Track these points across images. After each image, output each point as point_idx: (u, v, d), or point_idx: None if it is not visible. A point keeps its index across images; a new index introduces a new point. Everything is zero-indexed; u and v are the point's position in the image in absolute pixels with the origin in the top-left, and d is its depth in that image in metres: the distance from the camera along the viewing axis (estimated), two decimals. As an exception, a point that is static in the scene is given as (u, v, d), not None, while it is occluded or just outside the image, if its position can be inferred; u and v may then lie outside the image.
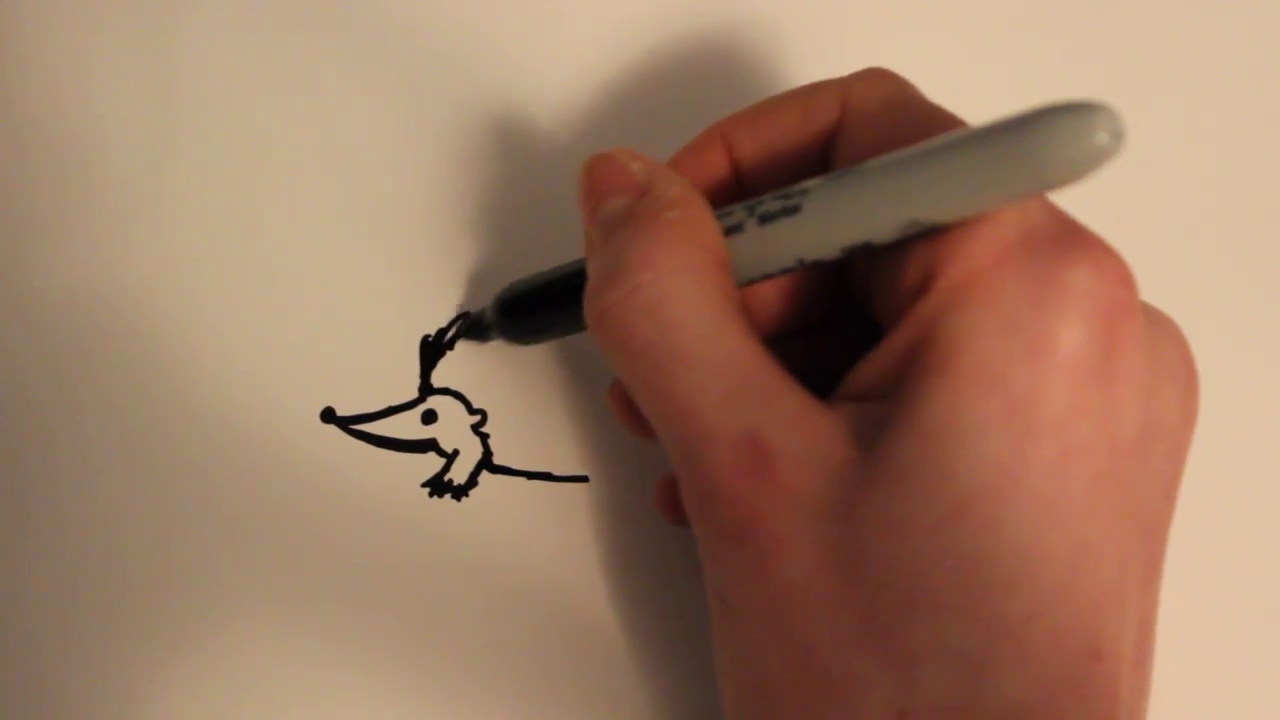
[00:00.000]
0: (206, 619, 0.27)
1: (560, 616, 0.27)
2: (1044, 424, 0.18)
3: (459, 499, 0.28)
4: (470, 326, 0.28)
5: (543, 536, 0.28)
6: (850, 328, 0.24)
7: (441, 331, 0.28)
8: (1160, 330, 0.21)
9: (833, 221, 0.20)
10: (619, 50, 0.30)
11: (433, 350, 0.28)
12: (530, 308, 0.26)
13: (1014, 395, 0.18)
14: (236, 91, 0.29)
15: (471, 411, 0.28)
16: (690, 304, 0.20)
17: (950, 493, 0.18)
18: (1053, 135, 0.16)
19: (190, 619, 0.27)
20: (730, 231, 0.21)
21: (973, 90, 0.23)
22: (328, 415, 0.28)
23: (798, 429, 0.19)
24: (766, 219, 0.21)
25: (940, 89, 0.22)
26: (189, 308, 0.28)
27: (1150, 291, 0.20)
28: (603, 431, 0.28)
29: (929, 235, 0.19)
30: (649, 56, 0.30)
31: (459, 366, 0.28)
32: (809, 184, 0.20)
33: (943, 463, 0.18)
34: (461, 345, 0.28)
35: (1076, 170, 0.16)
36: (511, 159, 0.30)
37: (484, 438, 0.28)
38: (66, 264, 0.28)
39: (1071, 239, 0.19)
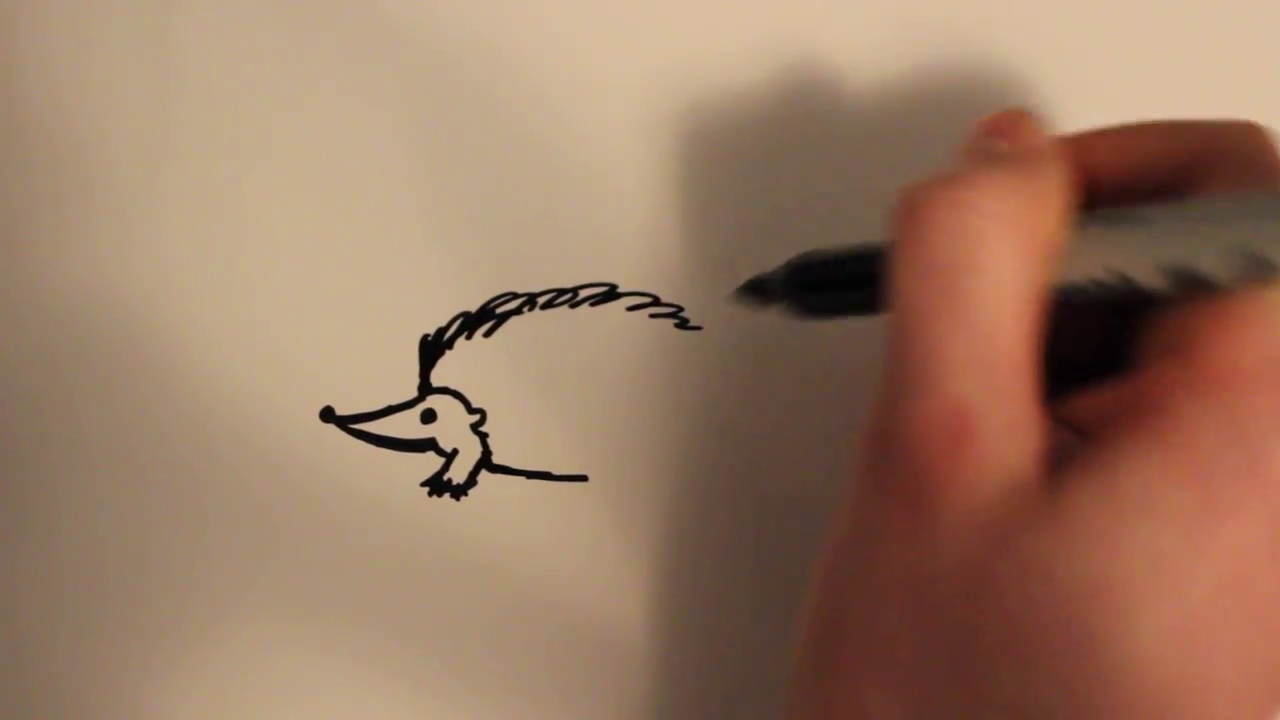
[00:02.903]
0: (205, 618, 0.27)
1: (559, 615, 0.27)
2: (1225, 545, 0.18)
3: (458, 498, 0.28)
4: (751, 287, 0.26)
5: (542, 536, 0.28)
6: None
7: (441, 330, 0.28)
8: None
9: (1168, 237, 0.19)
10: (620, 51, 0.30)
11: (432, 349, 0.28)
12: (831, 282, 0.24)
13: (1212, 505, 0.17)
14: (235, 91, 0.29)
15: (471, 411, 0.28)
16: (1002, 261, 0.19)
17: (1102, 568, 0.17)
18: None
19: (188, 618, 0.27)
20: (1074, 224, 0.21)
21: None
22: (327, 414, 0.28)
23: (1010, 432, 0.19)
24: (1107, 220, 0.20)
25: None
26: (188, 307, 0.28)
27: None
28: (602, 431, 0.28)
29: (1256, 276, 0.18)
30: (650, 56, 0.30)
31: (458, 366, 0.28)
32: (1160, 205, 0.20)
33: (1112, 537, 0.18)
34: (461, 344, 0.28)
35: None
36: (511, 158, 0.30)
37: (483, 437, 0.28)
38: (65, 263, 0.28)
39: None
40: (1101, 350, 0.22)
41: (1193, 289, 0.19)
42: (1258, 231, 0.18)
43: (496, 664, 0.27)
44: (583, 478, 0.28)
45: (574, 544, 0.28)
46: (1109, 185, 0.22)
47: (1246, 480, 0.18)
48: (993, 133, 0.22)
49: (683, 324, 0.29)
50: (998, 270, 0.19)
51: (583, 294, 0.29)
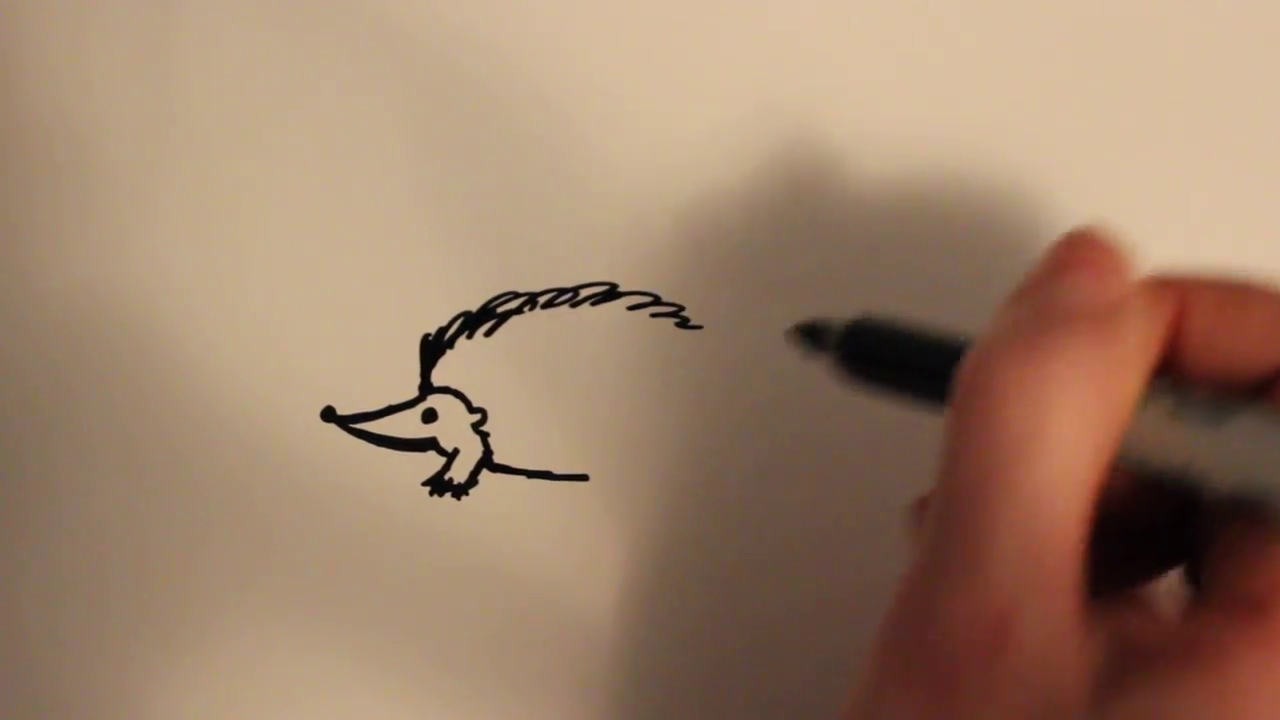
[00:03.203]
0: (204, 617, 0.27)
1: (560, 615, 0.27)
2: None
3: (459, 498, 0.28)
4: (807, 331, 0.24)
5: (543, 535, 0.28)
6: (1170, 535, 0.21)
7: (442, 330, 0.28)
8: None
9: (1244, 453, 0.18)
10: (621, 51, 0.30)
11: (433, 349, 0.28)
12: (887, 358, 0.22)
13: None
14: (235, 91, 0.29)
15: (471, 410, 0.28)
16: (1069, 440, 0.17)
17: None
18: None
19: (188, 617, 0.27)
20: (1147, 401, 0.19)
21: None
22: (328, 414, 0.28)
23: (1052, 643, 0.17)
24: (1187, 408, 0.18)
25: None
26: (188, 307, 0.28)
27: None
28: (602, 431, 0.28)
29: None
30: (651, 57, 0.30)
31: (459, 365, 0.28)
32: (1248, 406, 0.18)
33: None
34: (462, 344, 0.28)
35: None
36: (511, 158, 0.30)
37: (484, 436, 0.28)
38: (65, 263, 0.28)
39: None
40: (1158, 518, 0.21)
41: (1261, 516, 0.18)
42: None
43: (496, 663, 0.27)
44: (583, 477, 0.28)
45: (574, 543, 0.28)
46: (1206, 352, 0.20)
47: None
48: (1074, 265, 0.20)
49: (683, 323, 0.29)
50: (1064, 451, 0.17)
51: (583, 293, 0.29)
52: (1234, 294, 0.20)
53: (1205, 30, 0.30)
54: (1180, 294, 0.20)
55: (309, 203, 0.29)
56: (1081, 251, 0.20)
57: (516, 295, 0.29)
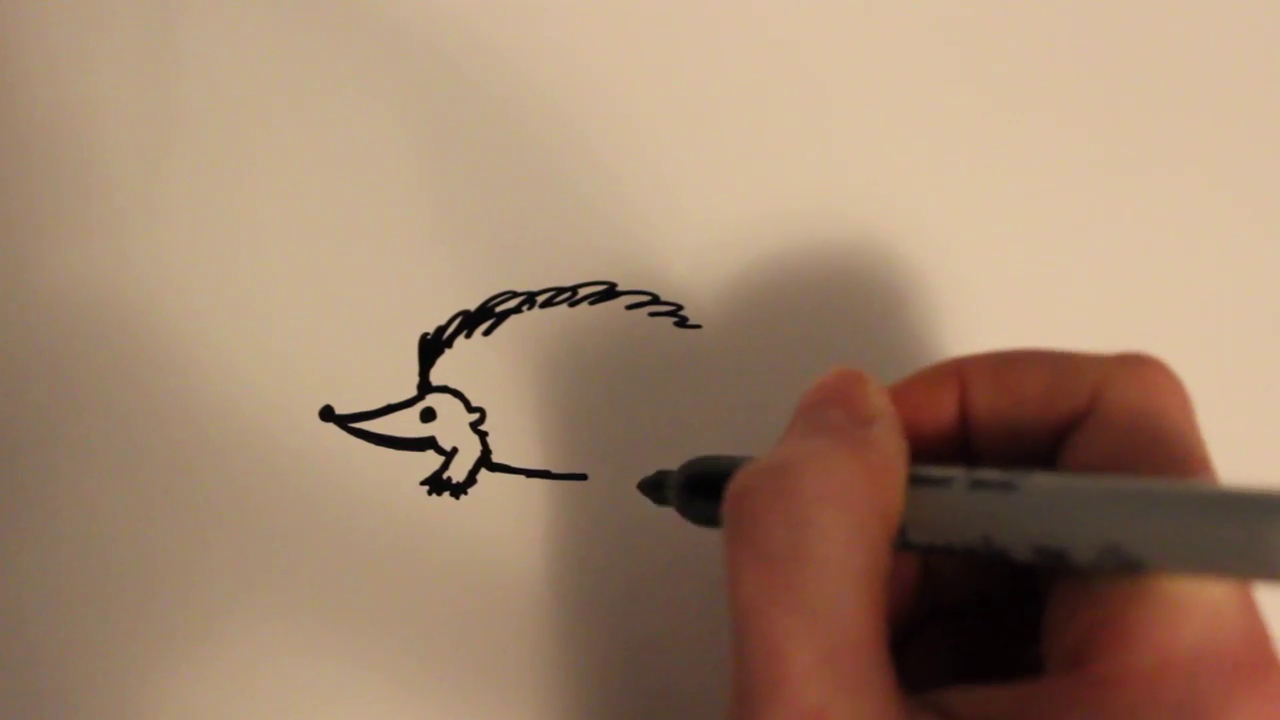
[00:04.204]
0: (204, 617, 0.27)
1: (558, 614, 0.27)
2: None
3: (458, 497, 0.28)
4: (650, 485, 0.26)
5: (541, 534, 0.28)
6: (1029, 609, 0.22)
7: (440, 329, 0.28)
8: None
9: (1038, 515, 0.18)
10: (621, 51, 0.30)
11: (431, 348, 0.28)
12: (716, 493, 0.23)
13: None
14: (235, 90, 0.30)
15: (470, 409, 0.28)
16: (833, 547, 0.18)
17: None
18: None
19: (187, 617, 0.27)
20: (935, 484, 0.20)
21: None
22: (326, 413, 0.28)
23: None
24: (978, 486, 0.19)
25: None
26: (187, 306, 0.28)
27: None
28: (601, 429, 0.28)
29: (1125, 574, 0.18)
30: (651, 57, 0.30)
31: (458, 364, 0.28)
32: (1032, 472, 0.19)
33: None
34: (461, 343, 0.28)
35: None
36: (510, 157, 0.30)
37: (483, 435, 0.28)
38: (65, 262, 0.28)
39: (1248, 675, 0.17)
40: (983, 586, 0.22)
41: (1067, 570, 0.18)
42: (1126, 529, 0.17)
43: (494, 661, 0.27)
44: (582, 476, 0.28)
45: (573, 542, 0.28)
46: (993, 426, 0.21)
47: None
48: (822, 401, 0.21)
49: (682, 322, 0.29)
50: (833, 557, 0.18)
51: (582, 292, 0.29)
52: (1007, 362, 0.22)
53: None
54: (958, 373, 0.22)
55: (308, 202, 0.29)
56: (828, 387, 0.21)
57: (515, 294, 0.29)
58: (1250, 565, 0.16)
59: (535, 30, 0.30)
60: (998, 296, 0.29)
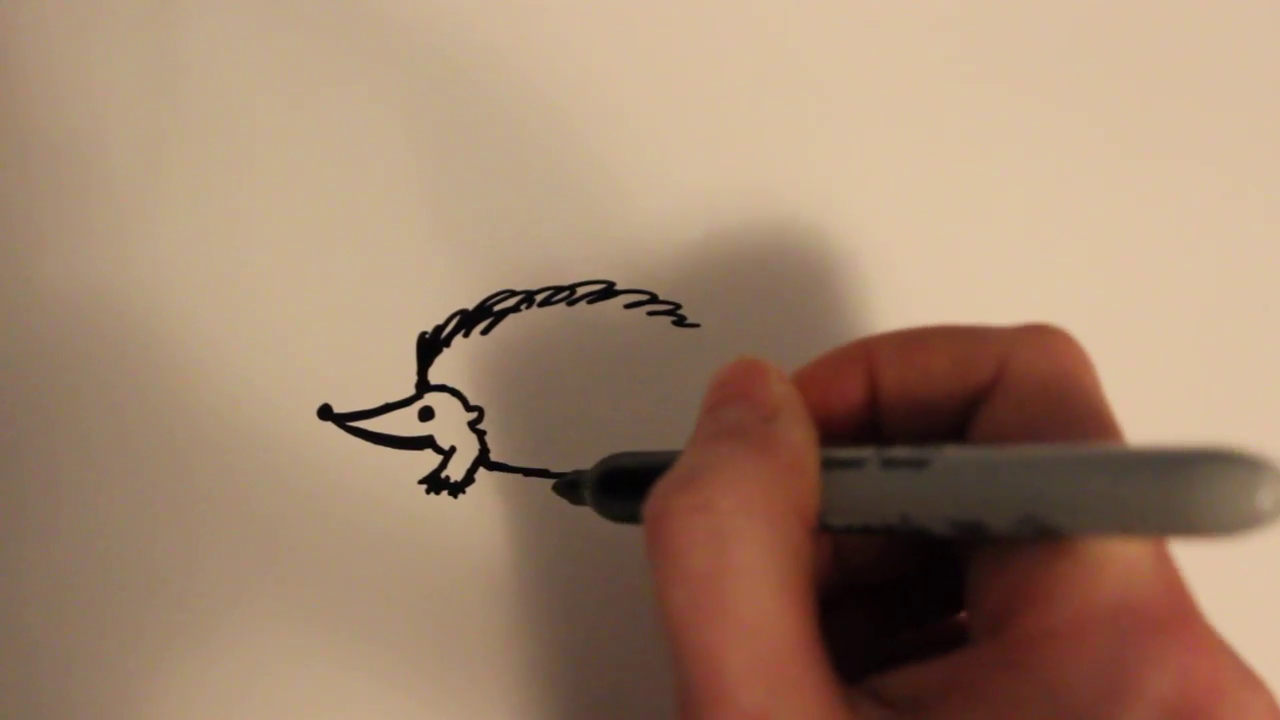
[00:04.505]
0: (203, 615, 0.27)
1: (556, 613, 0.27)
2: None
3: (456, 496, 0.28)
4: (566, 485, 0.27)
5: (539, 533, 0.27)
6: (947, 583, 0.22)
7: (439, 328, 0.28)
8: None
9: (953, 490, 0.18)
10: (621, 51, 0.31)
11: (429, 347, 0.28)
12: (630, 490, 0.23)
13: None
14: (235, 90, 0.30)
15: (468, 408, 0.28)
16: (752, 555, 0.18)
17: None
18: (1209, 486, 0.15)
19: (186, 616, 0.27)
20: (849, 467, 0.20)
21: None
22: (325, 412, 0.28)
23: None
24: (890, 465, 0.19)
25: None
26: (186, 305, 0.28)
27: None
28: (599, 429, 0.28)
29: (1041, 540, 0.18)
30: (650, 57, 0.31)
31: (456, 363, 0.28)
32: (943, 446, 0.19)
33: None
34: (459, 342, 0.28)
35: (1224, 528, 0.15)
36: (509, 157, 0.30)
37: (481, 434, 0.28)
38: (65, 262, 0.28)
39: (1167, 626, 0.17)
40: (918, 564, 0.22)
41: (985, 541, 0.19)
42: (1039, 496, 0.17)
43: (493, 660, 0.27)
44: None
45: (570, 541, 0.28)
46: (902, 404, 0.22)
47: None
48: (724, 399, 0.21)
49: (680, 321, 0.29)
50: (753, 565, 0.18)
51: (580, 291, 0.29)
52: (914, 339, 0.22)
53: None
54: (866, 353, 0.22)
55: (307, 202, 0.29)
56: (728, 381, 0.21)
57: (513, 293, 0.29)
58: (1163, 521, 0.16)
59: (534, 30, 0.30)
60: (1000, 296, 0.29)
